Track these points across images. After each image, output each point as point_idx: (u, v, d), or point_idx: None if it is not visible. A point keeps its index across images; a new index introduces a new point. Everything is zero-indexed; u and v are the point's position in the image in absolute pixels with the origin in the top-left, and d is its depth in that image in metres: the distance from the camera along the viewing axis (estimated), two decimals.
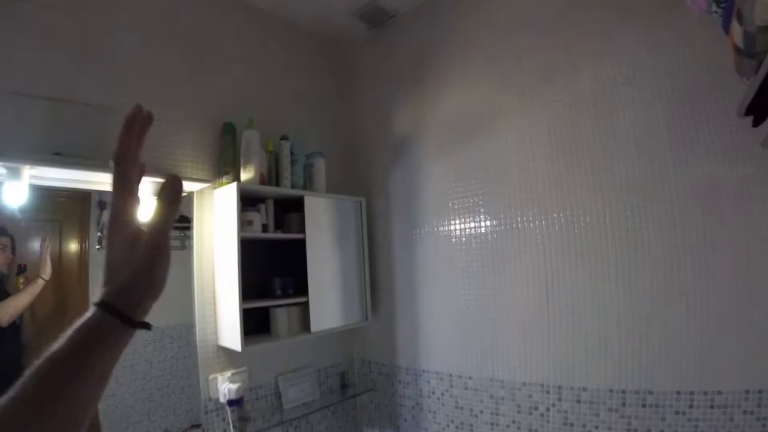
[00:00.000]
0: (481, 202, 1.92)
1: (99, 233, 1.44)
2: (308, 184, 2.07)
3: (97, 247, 1.44)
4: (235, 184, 1.70)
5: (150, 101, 1.67)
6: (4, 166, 1.25)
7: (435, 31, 2.14)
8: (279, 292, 1.87)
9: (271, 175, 1.93)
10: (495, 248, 1.86)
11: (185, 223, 1.70)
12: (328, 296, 2.00)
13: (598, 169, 1.60)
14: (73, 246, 1.44)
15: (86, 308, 0.41)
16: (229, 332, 1.68)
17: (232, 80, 2.00)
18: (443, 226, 2.03)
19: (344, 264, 2.10)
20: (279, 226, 1.93)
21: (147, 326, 0.43)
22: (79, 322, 0.40)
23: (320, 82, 2.47)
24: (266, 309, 1.86)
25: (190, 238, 1.72)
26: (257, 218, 1.80)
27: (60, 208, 1.45)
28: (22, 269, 1.37)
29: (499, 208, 1.86)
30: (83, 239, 1.44)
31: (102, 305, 0.41)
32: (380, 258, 2.28)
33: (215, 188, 1.82)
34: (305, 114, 2.31)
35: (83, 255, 1.44)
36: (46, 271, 1.38)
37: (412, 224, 2.15)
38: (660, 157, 1.48)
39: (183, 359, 1.67)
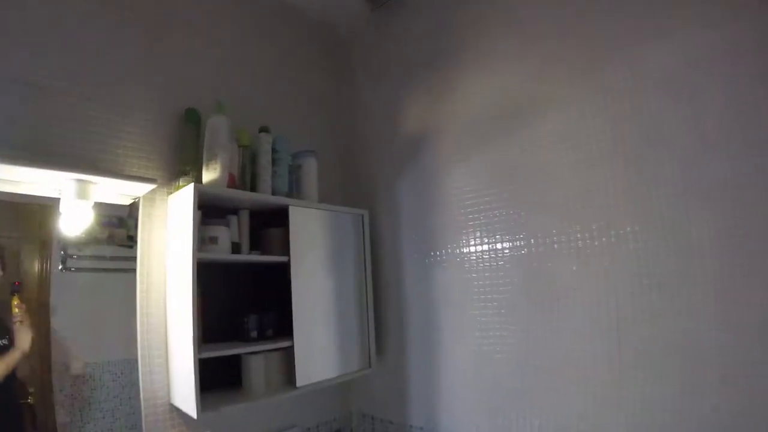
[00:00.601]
0: (521, 215, 1.63)
1: (62, 251, 1.34)
2: (295, 190, 1.85)
3: (60, 267, 1.34)
4: (192, 185, 1.39)
5: (84, 72, 1.12)
6: None
7: (457, 9, 1.93)
8: (254, 333, 1.60)
9: (245, 177, 1.66)
10: (542, 274, 1.57)
11: (129, 242, 1.46)
12: (320, 339, 1.76)
13: (682, 169, 1.32)
14: (34, 267, 1.33)
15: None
16: (183, 390, 1.40)
17: (201, 56, 1.76)
18: (469, 246, 1.77)
19: (341, 296, 1.88)
20: (255, 245, 1.69)
21: None
22: None
23: (313, 69, 2.27)
24: (237, 356, 1.60)
25: (133, 259, 1.46)
26: (224, 234, 1.50)
27: (18, 223, 1.34)
28: (16, 288, 1.24)
29: (547, 223, 1.56)
30: (44, 259, 1.34)
31: None
32: (387, 288, 2.07)
33: (170, 193, 1.54)
34: (293, 105, 2.12)
35: (45, 277, 1.33)
36: (22, 341, 1.22)
37: (428, 244, 1.92)
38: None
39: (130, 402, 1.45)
